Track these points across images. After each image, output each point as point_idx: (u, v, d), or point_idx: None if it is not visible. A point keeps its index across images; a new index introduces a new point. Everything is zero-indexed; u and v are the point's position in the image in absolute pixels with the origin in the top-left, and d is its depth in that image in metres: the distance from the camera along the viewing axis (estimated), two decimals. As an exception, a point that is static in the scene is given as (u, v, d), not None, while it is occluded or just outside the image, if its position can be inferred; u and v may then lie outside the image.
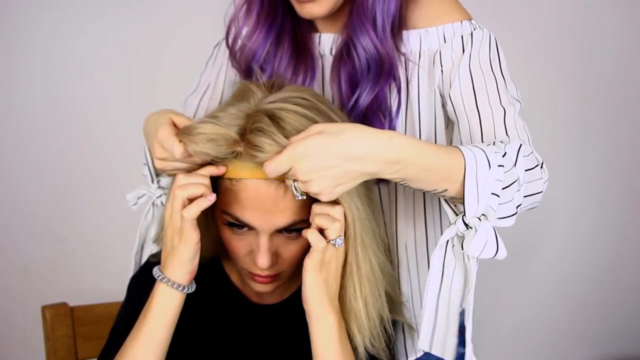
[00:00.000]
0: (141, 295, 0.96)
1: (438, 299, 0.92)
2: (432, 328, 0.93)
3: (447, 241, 0.91)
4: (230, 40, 1.12)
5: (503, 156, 0.91)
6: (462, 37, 1.05)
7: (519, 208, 0.91)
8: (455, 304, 0.93)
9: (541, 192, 0.95)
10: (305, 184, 0.83)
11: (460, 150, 0.89)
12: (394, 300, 1.05)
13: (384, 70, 1.06)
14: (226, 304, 1.03)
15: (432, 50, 1.06)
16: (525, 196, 0.92)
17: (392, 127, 1.07)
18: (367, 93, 1.06)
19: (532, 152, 0.94)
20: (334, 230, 0.88)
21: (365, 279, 0.94)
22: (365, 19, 1.04)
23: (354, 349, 0.96)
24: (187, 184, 0.86)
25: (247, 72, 1.10)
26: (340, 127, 0.84)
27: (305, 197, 0.85)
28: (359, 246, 0.92)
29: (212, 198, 0.86)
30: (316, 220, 0.88)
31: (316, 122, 0.89)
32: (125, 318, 0.98)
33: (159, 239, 1.04)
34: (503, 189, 0.89)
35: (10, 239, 1.39)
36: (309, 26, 1.11)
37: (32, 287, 1.39)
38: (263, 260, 0.91)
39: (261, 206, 0.89)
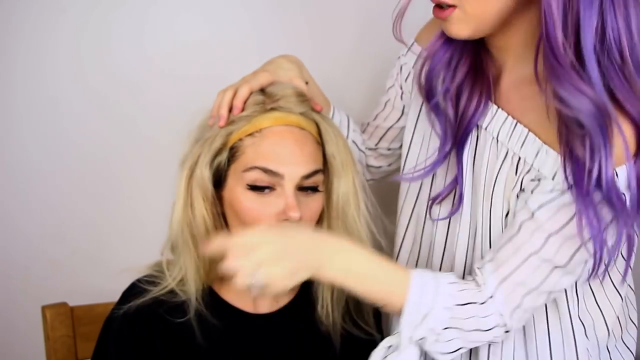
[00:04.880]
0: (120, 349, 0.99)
1: None
2: None
3: (389, 347, 0.95)
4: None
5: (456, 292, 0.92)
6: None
7: (460, 350, 0.95)
8: None
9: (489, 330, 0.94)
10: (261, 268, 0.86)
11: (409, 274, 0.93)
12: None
13: (611, 126, 0.84)
14: (221, 320, 1.02)
15: None
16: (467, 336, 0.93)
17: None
18: (607, 161, 0.84)
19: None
20: None
21: None
22: (560, 62, 0.83)
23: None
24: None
25: (427, 89, 1.03)
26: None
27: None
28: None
29: None
30: None
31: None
32: None
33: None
34: (445, 328, 0.92)
35: (11, 238, 1.38)
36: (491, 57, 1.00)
37: (32, 287, 1.39)
38: (294, 211, 0.93)
39: (286, 151, 0.94)
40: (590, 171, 0.85)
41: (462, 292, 0.93)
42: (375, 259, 0.93)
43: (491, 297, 0.93)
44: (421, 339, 0.92)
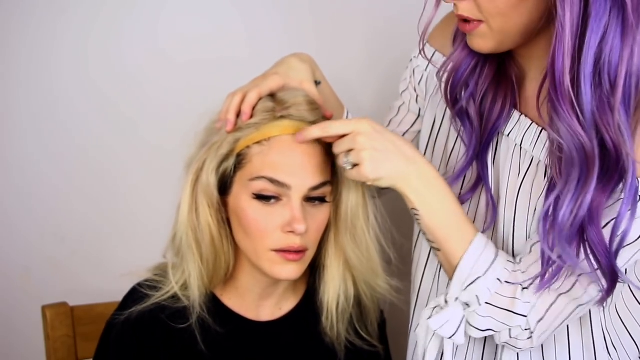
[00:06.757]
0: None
1: None
2: None
3: (435, 307, 0.95)
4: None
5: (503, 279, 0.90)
6: None
7: (489, 332, 0.93)
8: None
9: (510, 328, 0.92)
10: (361, 152, 0.89)
11: (477, 232, 0.92)
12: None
13: (592, 170, 0.82)
14: (224, 327, 1.01)
15: None
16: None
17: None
18: (568, 201, 0.84)
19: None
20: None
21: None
22: (561, 95, 0.82)
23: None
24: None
25: (453, 96, 1.00)
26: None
27: (352, 167, 0.91)
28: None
29: None
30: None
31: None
32: None
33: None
34: (486, 302, 0.91)
35: (11, 238, 1.39)
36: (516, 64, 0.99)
37: (33, 287, 1.39)
38: (300, 224, 0.92)
39: (295, 162, 0.93)
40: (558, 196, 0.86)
41: (515, 273, 0.92)
42: (455, 201, 0.93)
43: (527, 288, 0.91)
44: (465, 303, 0.92)
